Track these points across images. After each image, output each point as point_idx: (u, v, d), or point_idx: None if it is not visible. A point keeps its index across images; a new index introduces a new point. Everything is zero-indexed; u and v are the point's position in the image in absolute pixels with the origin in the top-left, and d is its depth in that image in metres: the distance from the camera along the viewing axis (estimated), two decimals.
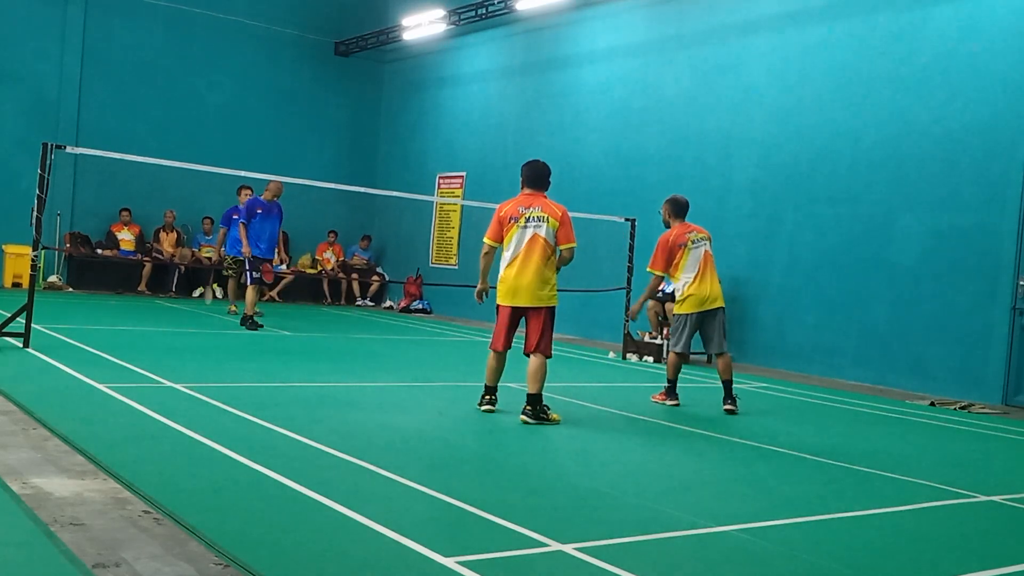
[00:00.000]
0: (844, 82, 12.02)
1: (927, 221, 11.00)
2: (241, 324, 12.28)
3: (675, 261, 8.14)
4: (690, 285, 8.11)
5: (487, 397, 7.17)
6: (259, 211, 12.60)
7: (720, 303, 8.23)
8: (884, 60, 11.61)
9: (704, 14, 14.05)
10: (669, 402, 8.24)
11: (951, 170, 10.82)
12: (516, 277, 6.93)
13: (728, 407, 8.05)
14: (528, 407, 6.82)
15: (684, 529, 4.29)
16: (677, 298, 8.25)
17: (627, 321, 12.35)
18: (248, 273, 12.48)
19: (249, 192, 14.15)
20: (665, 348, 12.21)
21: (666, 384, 8.34)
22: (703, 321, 8.24)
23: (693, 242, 8.13)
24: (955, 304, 10.66)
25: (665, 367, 8.44)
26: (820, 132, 12.24)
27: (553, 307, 7.01)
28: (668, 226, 8.36)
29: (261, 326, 12.31)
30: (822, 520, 4.70)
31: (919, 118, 11.17)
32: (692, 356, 12.74)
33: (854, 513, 4.84)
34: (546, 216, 6.96)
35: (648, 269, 8.36)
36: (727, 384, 8.12)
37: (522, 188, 7.23)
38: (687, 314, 8.20)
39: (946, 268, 10.79)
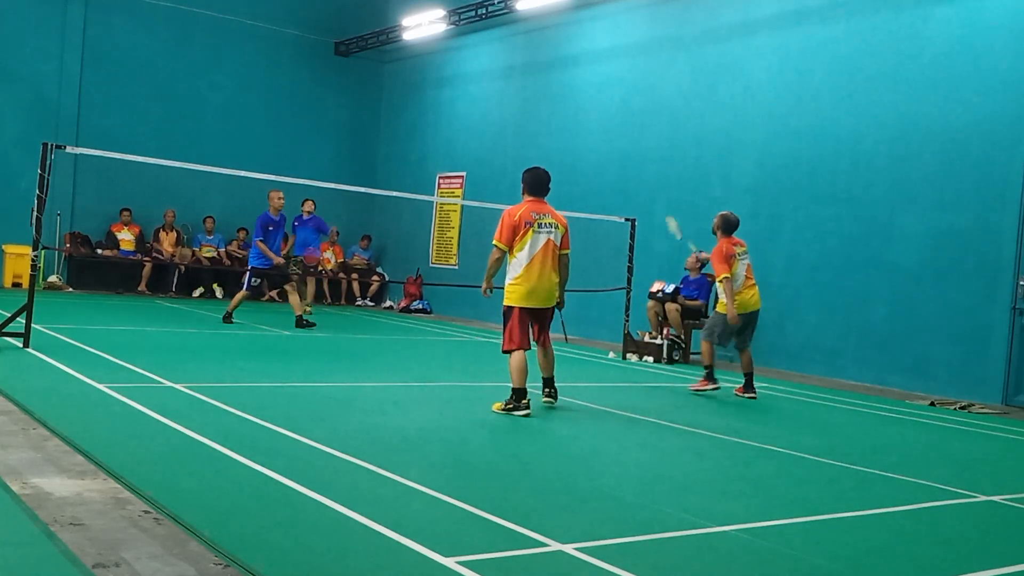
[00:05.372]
0: (844, 82, 12.02)
1: (927, 221, 11.00)
2: (224, 321, 12.82)
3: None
4: (738, 293, 9.13)
5: (524, 401, 7.03)
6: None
7: (759, 306, 9.33)
8: (884, 60, 11.61)
9: (704, 14, 14.05)
10: (710, 387, 9.17)
11: (951, 170, 10.82)
12: (536, 280, 7.28)
13: (750, 395, 9.15)
14: (550, 389, 7.52)
15: (684, 529, 4.29)
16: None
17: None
18: (248, 278, 13.08)
19: (312, 205, 15.32)
20: (665, 348, 12.22)
21: (705, 369, 9.26)
22: (745, 321, 9.21)
23: (739, 255, 9.18)
24: (955, 304, 10.66)
25: (700, 354, 9.46)
26: (820, 132, 12.23)
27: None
28: (715, 235, 9.40)
29: (233, 321, 12.85)
30: (822, 520, 4.70)
31: (919, 118, 11.17)
32: (693, 356, 12.83)
33: (854, 513, 4.84)
34: (556, 223, 7.42)
35: (717, 279, 9.22)
36: (749, 376, 9.22)
37: (524, 194, 7.50)
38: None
39: (946, 268, 10.79)
